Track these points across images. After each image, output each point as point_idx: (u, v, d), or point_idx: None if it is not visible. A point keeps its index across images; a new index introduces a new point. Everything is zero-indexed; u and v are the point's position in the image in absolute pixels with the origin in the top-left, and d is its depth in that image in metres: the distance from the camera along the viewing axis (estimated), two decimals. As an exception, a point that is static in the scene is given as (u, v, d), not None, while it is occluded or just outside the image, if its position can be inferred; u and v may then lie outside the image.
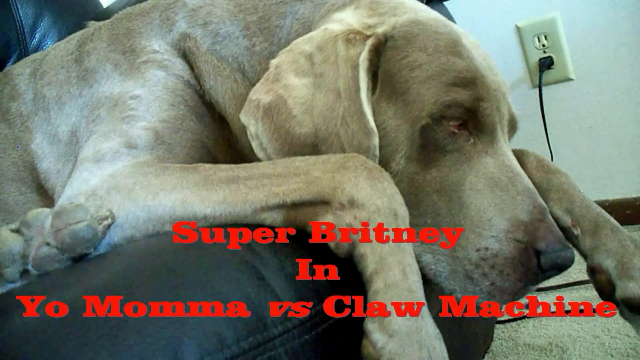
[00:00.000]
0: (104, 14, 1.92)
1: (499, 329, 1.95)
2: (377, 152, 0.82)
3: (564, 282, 2.08)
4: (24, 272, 0.74)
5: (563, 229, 0.85)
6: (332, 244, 0.72)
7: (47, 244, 0.73)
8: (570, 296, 2.01)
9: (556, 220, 0.85)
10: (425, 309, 0.67)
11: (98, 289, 0.59)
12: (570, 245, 0.82)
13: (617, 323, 1.77)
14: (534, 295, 2.08)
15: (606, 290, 0.84)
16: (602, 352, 1.65)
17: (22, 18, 1.90)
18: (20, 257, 0.73)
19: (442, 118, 0.83)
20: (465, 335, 1.59)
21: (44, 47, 1.92)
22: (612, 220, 0.88)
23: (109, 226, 0.78)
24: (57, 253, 0.73)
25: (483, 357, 1.81)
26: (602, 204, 2.43)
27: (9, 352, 0.50)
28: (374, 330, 0.64)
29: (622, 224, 2.26)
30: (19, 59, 1.82)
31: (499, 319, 1.97)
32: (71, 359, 0.50)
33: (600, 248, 0.85)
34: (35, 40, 1.92)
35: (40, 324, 0.53)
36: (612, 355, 1.62)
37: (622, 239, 0.84)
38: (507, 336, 1.90)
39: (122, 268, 0.66)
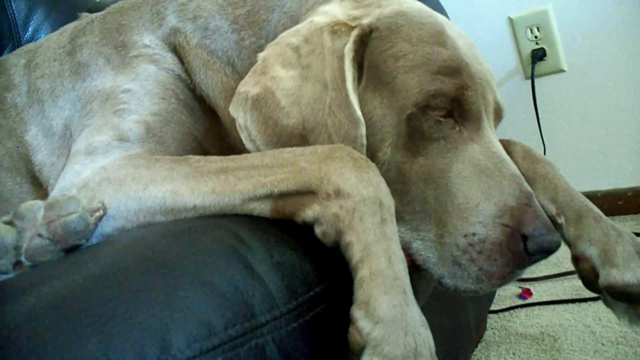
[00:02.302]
0: (96, 7, 1.92)
1: (491, 319, 1.97)
2: (364, 141, 0.83)
3: (556, 272, 2.11)
4: (17, 264, 0.75)
5: (548, 217, 0.85)
6: (319, 233, 0.73)
7: (40, 235, 0.74)
8: (563, 286, 2.04)
9: (542, 208, 0.85)
10: (410, 296, 0.68)
11: (89, 279, 0.60)
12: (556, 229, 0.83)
13: (607, 312, 1.76)
14: (529, 286, 2.11)
15: (590, 278, 0.85)
16: (592, 341, 1.67)
17: (14, 11, 1.90)
18: (13, 249, 0.74)
19: (427, 107, 0.84)
20: (458, 325, 1.60)
21: (37, 40, 1.92)
22: (596, 209, 0.89)
23: (101, 217, 0.79)
24: (49, 244, 0.74)
25: (476, 346, 1.83)
26: (594, 195, 2.48)
27: (0, 340, 0.51)
28: (360, 317, 0.64)
29: (613, 214, 2.28)
30: (12, 51, 1.82)
31: (492, 308, 1.99)
32: (62, 346, 0.51)
33: (583, 236, 0.86)
34: (28, 34, 1.92)
35: (31, 312, 0.54)
36: (602, 344, 1.64)
37: (605, 227, 0.85)
38: (499, 326, 1.92)
39: (112, 258, 0.66)
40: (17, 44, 1.89)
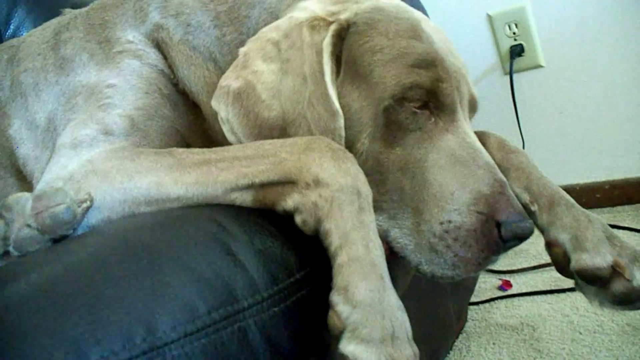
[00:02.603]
0: (78, 4, 1.92)
1: (472, 310, 2.00)
2: (343, 133, 0.85)
3: (535, 264, 2.14)
4: (5, 254, 0.77)
5: (521, 205, 0.87)
6: (299, 222, 0.74)
7: (28, 226, 0.75)
8: (542, 277, 2.07)
9: (515, 197, 0.87)
10: (387, 282, 0.70)
11: (77, 265, 0.62)
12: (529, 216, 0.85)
13: (585, 302, 1.79)
14: (509, 278, 2.14)
15: (562, 263, 0.87)
16: (570, 330, 1.70)
17: (-5, 9, 1.90)
18: (2, 239, 0.75)
19: (403, 99, 0.86)
20: (439, 317, 1.62)
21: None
22: (567, 197, 0.91)
23: (88, 209, 0.80)
24: (37, 235, 0.75)
25: (457, 337, 1.85)
26: (572, 188, 2.51)
27: None
28: (339, 302, 0.66)
29: (591, 207, 2.31)
30: (-7, 49, 1.82)
31: (472, 300, 2.01)
32: (52, 328, 0.52)
33: (555, 223, 0.88)
34: (9, 31, 1.90)
35: (22, 297, 0.56)
36: (580, 333, 1.67)
37: (576, 214, 0.87)
38: (480, 317, 1.94)
39: (99, 246, 0.67)
40: (-1, 41, 1.88)
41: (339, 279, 0.68)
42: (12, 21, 1.92)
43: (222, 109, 0.91)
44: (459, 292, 1.81)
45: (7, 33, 1.90)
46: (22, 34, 1.90)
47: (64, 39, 1.14)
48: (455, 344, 1.82)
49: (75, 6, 1.54)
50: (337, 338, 0.66)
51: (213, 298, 0.63)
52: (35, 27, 1.88)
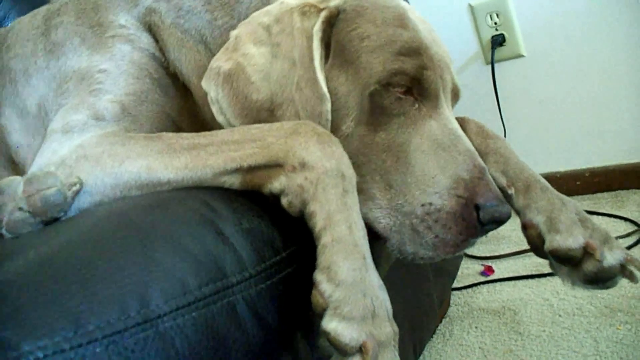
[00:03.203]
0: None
1: (455, 295, 2.03)
2: (329, 117, 0.87)
3: (517, 250, 2.18)
4: (-2, 236, 0.78)
5: (499, 188, 0.90)
6: (285, 203, 0.76)
7: (20, 208, 0.76)
8: (523, 263, 2.10)
9: (493, 180, 0.90)
10: (369, 262, 0.72)
11: (72, 243, 0.64)
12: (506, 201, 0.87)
13: (564, 286, 1.84)
14: (491, 264, 2.17)
15: (536, 244, 0.90)
16: (550, 313, 1.74)
17: (-19, -1, 1.89)
18: (-6, 222, 0.77)
19: (389, 85, 0.88)
20: (422, 302, 1.65)
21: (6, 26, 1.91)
22: (543, 180, 0.93)
23: (78, 192, 0.81)
24: (29, 217, 0.77)
25: (440, 322, 1.88)
26: (553, 176, 2.55)
27: None
28: (322, 280, 0.68)
29: (572, 194, 2.33)
30: (-21, 41, 1.81)
31: (455, 285, 2.04)
32: (51, 301, 0.54)
33: (531, 205, 0.90)
34: (-5, 22, 1.91)
35: (21, 272, 0.57)
36: (560, 315, 1.71)
37: (551, 197, 0.90)
38: (462, 302, 1.98)
39: (92, 225, 0.69)
40: (-15, 31, 1.88)
41: (322, 259, 0.70)
42: (-3, 10, 1.92)
43: (212, 90, 0.92)
44: (442, 277, 1.84)
45: (-7, 23, 1.90)
46: (7, 24, 1.90)
47: (54, 24, 1.14)
48: (439, 328, 1.85)
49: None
50: (320, 315, 0.68)
51: (203, 274, 0.65)
52: (21, 16, 1.88)
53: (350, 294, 0.67)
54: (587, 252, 0.84)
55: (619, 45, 2.39)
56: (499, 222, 0.85)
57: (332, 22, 0.93)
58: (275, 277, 0.73)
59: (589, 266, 0.84)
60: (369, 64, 0.89)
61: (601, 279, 0.84)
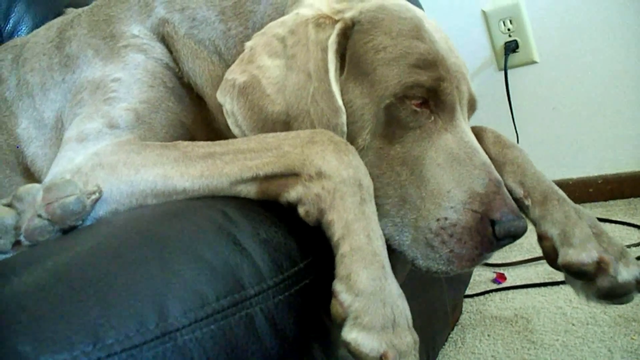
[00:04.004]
0: (78, 1, 1.92)
1: (467, 303, 2.02)
2: (345, 129, 0.86)
3: (529, 257, 2.16)
4: (16, 243, 0.78)
5: (516, 199, 0.89)
6: (302, 213, 0.76)
7: (39, 216, 0.76)
8: (535, 270, 2.09)
9: (510, 191, 0.90)
10: (388, 271, 0.71)
11: (89, 253, 0.63)
12: (523, 216, 0.87)
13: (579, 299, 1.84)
14: (503, 271, 2.16)
15: (552, 256, 0.88)
16: (563, 322, 1.72)
17: (-5, 4, 1.90)
18: (13, 229, 0.77)
19: (404, 97, 0.88)
20: (435, 309, 1.64)
21: (19, 33, 1.90)
22: (560, 192, 0.92)
23: (97, 200, 0.81)
24: (48, 225, 0.77)
25: (452, 329, 1.87)
26: (566, 183, 2.53)
27: (10, 308, 0.54)
28: (341, 290, 0.68)
29: (584, 201, 2.32)
30: (-7, 44, 1.82)
31: (467, 293, 2.03)
32: (69, 314, 0.54)
33: (547, 217, 0.89)
34: (9, 26, 1.90)
35: (39, 283, 0.57)
36: (573, 324, 1.69)
37: (567, 210, 0.89)
38: (475, 309, 1.96)
39: (109, 235, 0.69)
40: (-2, 36, 1.89)
41: (341, 268, 0.70)
42: (11, 16, 1.92)
43: (227, 102, 0.92)
44: (455, 285, 1.83)
45: (7, 28, 1.90)
46: (21, 29, 1.90)
47: (68, 37, 1.14)
48: (451, 335, 1.84)
49: (75, 3, 1.54)
50: (340, 325, 0.67)
51: (221, 286, 0.65)
52: (34, 22, 1.89)
53: (370, 303, 0.67)
54: (601, 267, 0.83)
55: (632, 52, 2.38)
56: (514, 236, 0.84)
57: (347, 34, 0.93)
58: (293, 288, 0.72)
59: (603, 281, 0.83)
60: (384, 77, 0.89)
61: (616, 295, 0.83)
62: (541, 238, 0.90)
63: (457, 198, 0.85)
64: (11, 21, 1.92)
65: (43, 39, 1.21)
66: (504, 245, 0.85)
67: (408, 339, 0.68)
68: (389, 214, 0.87)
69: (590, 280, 0.84)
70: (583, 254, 0.84)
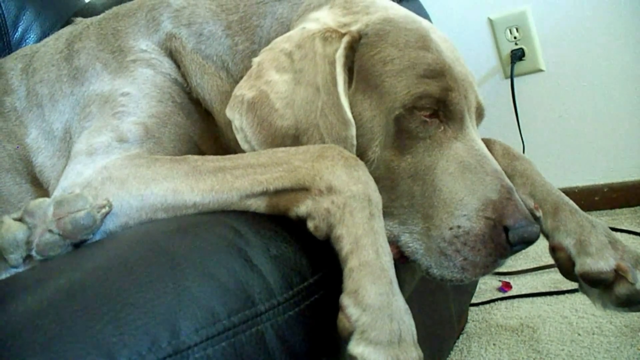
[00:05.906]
0: (86, 9, 1.93)
1: (472, 311, 2.01)
2: (355, 142, 0.87)
3: (535, 266, 2.15)
4: (27, 258, 0.78)
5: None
6: (311, 227, 0.76)
7: (50, 231, 0.77)
8: (541, 279, 2.08)
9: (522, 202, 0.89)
10: (395, 286, 0.72)
11: (101, 271, 0.64)
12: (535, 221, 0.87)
13: (584, 303, 1.82)
14: (509, 280, 2.15)
15: (566, 267, 0.89)
16: (569, 331, 1.72)
17: (4, 12, 1.90)
18: (24, 244, 0.77)
19: (414, 108, 0.88)
20: (440, 318, 1.64)
21: (27, 41, 1.92)
22: (571, 202, 0.93)
23: (107, 214, 0.82)
24: (59, 239, 0.77)
25: (458, 337, 1.87)
26: (572, 191, 2.52)
27: (24, 327, 0.54)
28: (349, 305, 0.68)
29: (590, 210, 2.31)
30: (1, 52, 1.82)
31: (473, 301, 2.02)
32: (81, 332, 0.54)
33: (560, 228, 0.90)
34: (17, 34, 1.92)
35: (52, 301, 0.58)
36: (579, 334, 1.69)
37: (580, 219, 0.89)
38: (480, 318, 1.96)
39: (120, 252, 0.69)
40: (7, 44, 1.88)
41: (349, 283, 0.70)
42: (19, 24, 1.94)
43: (236, 118, 0.92)
44: (461, 293, 1.82)
45: (15, 36, 1.92)
46: (29, 37, 1.92)
47: (77, 49, 1.15)
48: (457, 344, 1.84)
49: (83, 10, 1.55)
50: (347, 340, 0.67)
51: (232, 302, 0.65)
52: (42, 29, 1.90)
53: (377, 318, 0.67)
54: (618, 274, 0.84)
55: (639, 61, 2.37)
56: (528, 242, 0.84)
57: (354, 47, 0.93)
58: (303, 304, 0.73)
59: (621, 289, 0.83)
60: (393, 88, 0.89)
61: (634, 301, 0.84)
62: (555, 249, 0.91)
63: (471, 206, 0.85)
64: (19, 29, 1.94)
65: (52, 49, 1.21)
66: (518, 251, 0.86)
67: (413, 354, 0.68)
68: (403, 224, 0.88)
69: (608, 288, 0.85)
70: (601, 262, 0.84)
